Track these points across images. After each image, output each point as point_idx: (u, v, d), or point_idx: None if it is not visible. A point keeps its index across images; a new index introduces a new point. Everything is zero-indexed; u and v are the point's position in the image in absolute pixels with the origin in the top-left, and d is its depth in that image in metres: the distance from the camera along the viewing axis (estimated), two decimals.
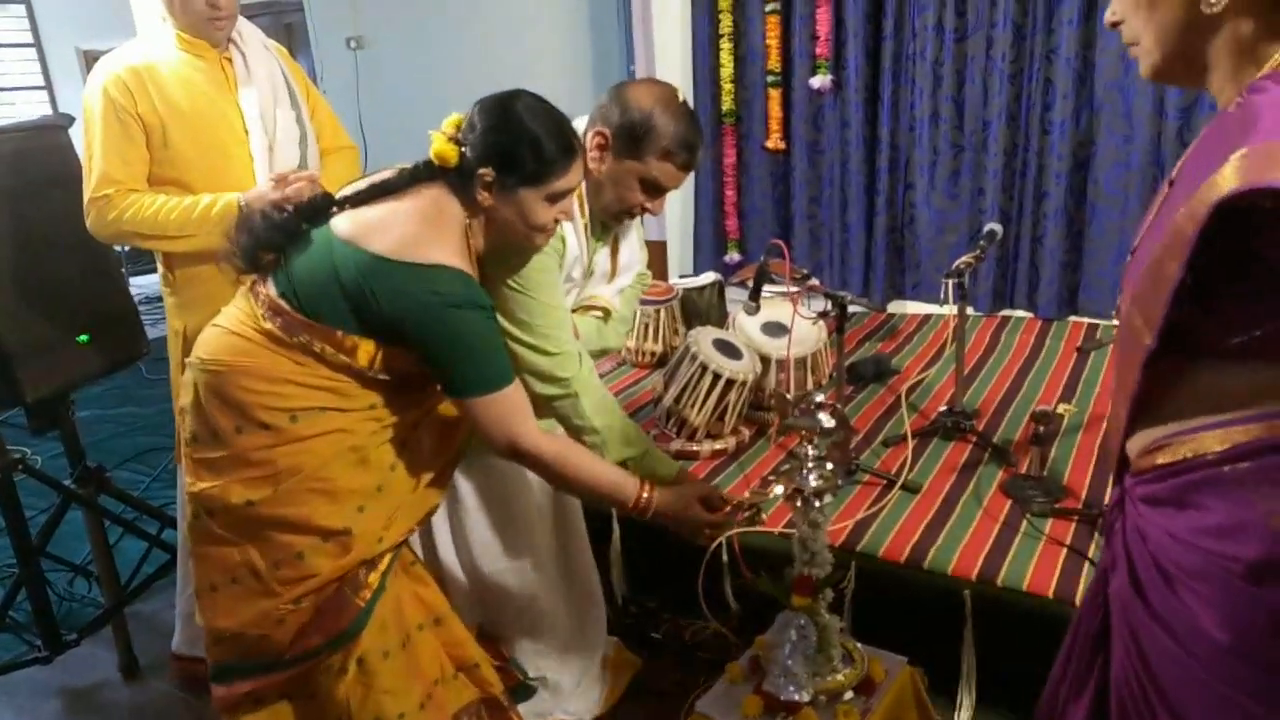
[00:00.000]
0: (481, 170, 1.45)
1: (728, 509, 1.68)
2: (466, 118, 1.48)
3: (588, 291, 1.86)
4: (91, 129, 1.95)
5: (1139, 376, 0.98)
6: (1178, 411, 0.97)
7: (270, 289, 1.46)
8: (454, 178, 1.48)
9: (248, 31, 2.11)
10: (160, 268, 2.13)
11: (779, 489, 1.58)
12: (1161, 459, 1.01)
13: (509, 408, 1.49)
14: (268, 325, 1.43)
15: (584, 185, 1.70)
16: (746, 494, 1.75)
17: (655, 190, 1.68)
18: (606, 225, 1.81)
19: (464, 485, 1.87)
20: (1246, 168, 0.83)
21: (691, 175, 4.37)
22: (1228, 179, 0.84)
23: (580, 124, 1.69)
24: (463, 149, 1.46)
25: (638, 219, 1.90)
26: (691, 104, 1.71)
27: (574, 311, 1.82)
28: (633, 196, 1.68)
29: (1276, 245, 0.86)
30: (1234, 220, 0.85)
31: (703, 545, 1.76)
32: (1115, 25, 1.03)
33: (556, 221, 1.52)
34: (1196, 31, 0.93)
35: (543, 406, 1.67)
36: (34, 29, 7.90)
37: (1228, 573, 0.93)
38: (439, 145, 1.46)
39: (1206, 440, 0.97)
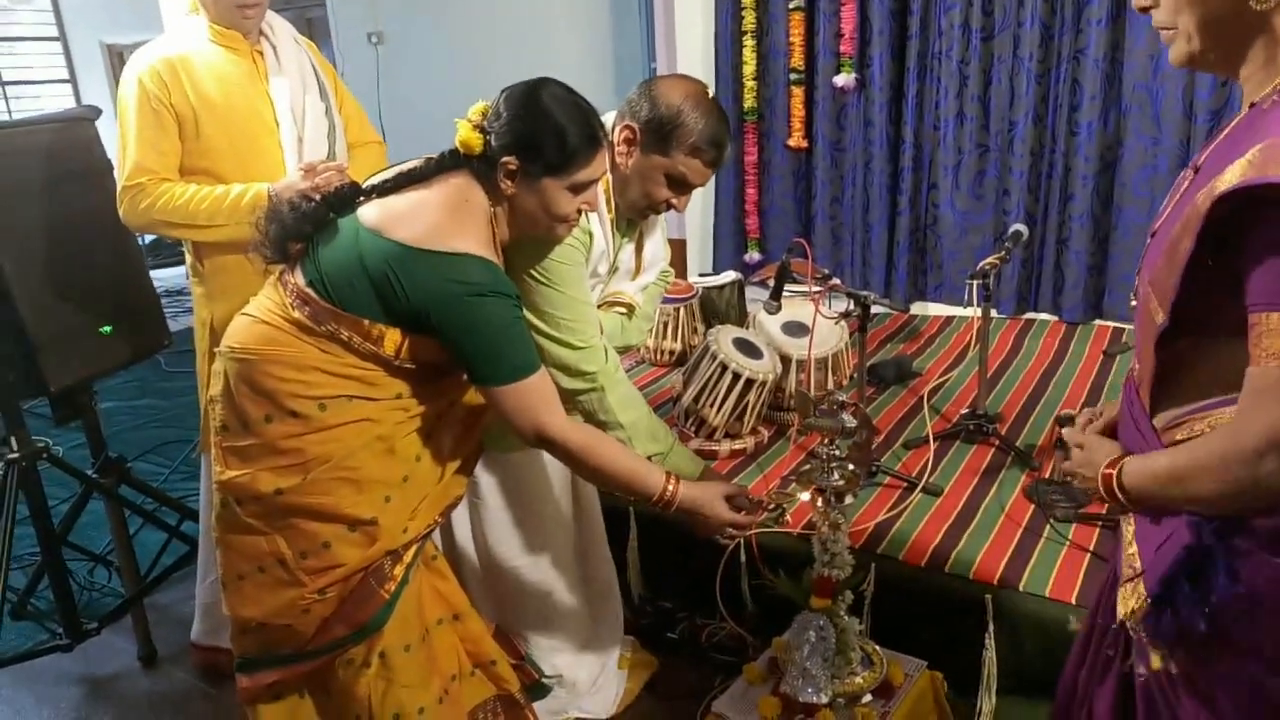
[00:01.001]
0: (505, 159, 1.44)
1: (753, 510, 1.67)
2: (492, 106, 1.48)
3: (612, 287, 1.85)
4: (126, 119, 1.97)
5: (1153, 355, 1.01)
6: (1195, 390, 0.99)
7: (298, 278, 1.47)
8: (479, 166, 1.48)
9: (279, 25, 2.12)
10: (189, 257, 2.15)
11: (804, 495, 1.57)
12: (1180, 435, 1.03)
13: (535, 396, 1.48)
14: (296, 314, 1.44)
15: (611, 180, 1.70)
16: (769, 494, 1.73)
17: (681, 186, 1.67)
18: (632, 221, 1.80)
19: (485, 480, 1.87)
20: (1263, 161, 0.87)
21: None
22: (1242, 169, 0.88)
23: (609, 119, 1.69)
24: (487, 137, 1.46)
25: (662, 216, 1.89)
26: (721, 106, 1.70)
27: (598, 307, 1.81)
28: (659, 192, 1.67)
29: (1256, 230, 0.89)
30: (1248, 208, 0.88)
31: (723, 544, 1.75)
32: (1147, 9, 1.03)
33: (579, 213, 1.52)
34: (1241, 25, 0.94)
35: (568, 401, 1.67)
36: (59, 23, 7.99)
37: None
38: (464, 133, 1.46)
39: (1222, 417, 0.99)
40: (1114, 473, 1.06)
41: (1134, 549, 1.08)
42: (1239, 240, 0.92)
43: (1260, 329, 0.90)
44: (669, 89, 1.63)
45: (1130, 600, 1.07)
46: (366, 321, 1.42)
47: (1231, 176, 0.90)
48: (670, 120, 1.61)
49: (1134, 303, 1.11)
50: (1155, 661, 1.07)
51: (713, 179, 4.18)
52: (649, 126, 1.62)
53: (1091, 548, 2.00)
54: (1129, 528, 1.11)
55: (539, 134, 1.44)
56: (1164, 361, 1.02)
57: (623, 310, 1.86)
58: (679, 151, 1.62)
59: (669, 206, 1.70)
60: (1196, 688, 1.04)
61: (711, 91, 1.67)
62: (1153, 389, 1.04)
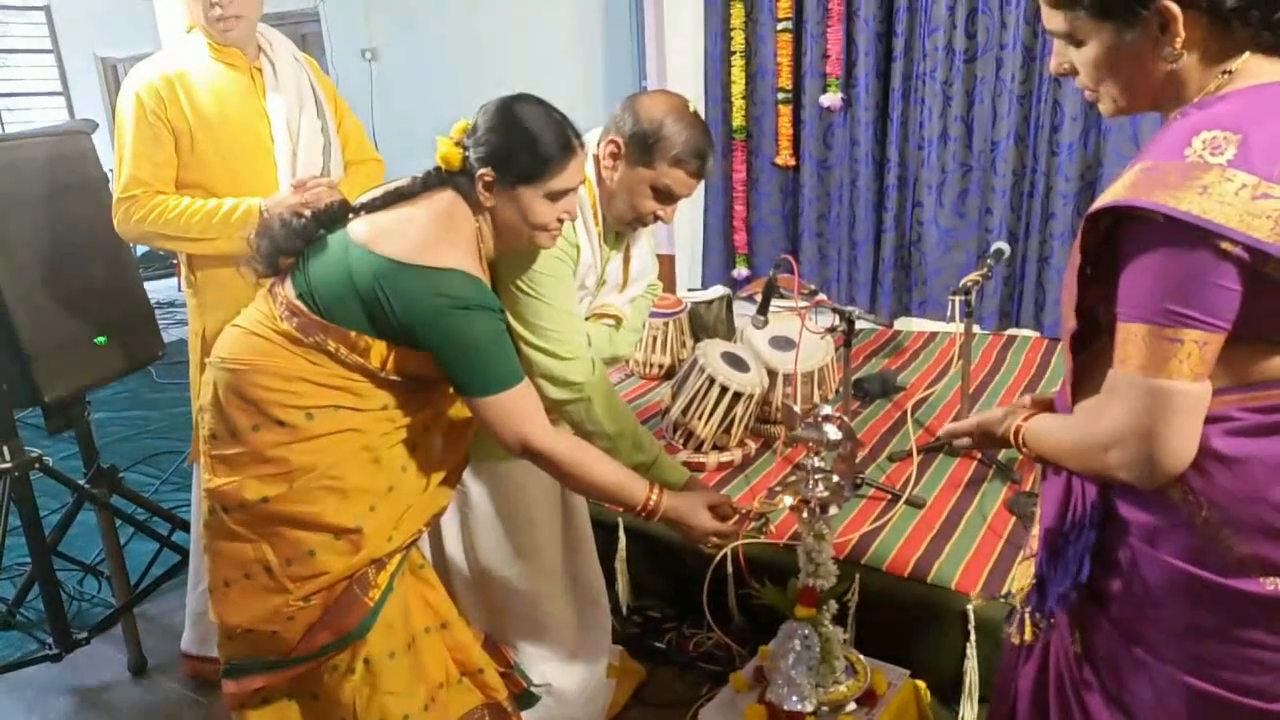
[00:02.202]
0: (481, 170, 1.49)
1: (736, 518, 1.70)
2: (471, 123, 1.53)
3: (600, 300, 1.89)
4: (123, 132, 2.00)
5: (1070, 356, 1.11)
6: (1099, 389, 1.06)
7: (288, 290, 1.50)
8: (461, 182, 1.52)
9: (279, 42, 2.16)
10: (183, 269, 2.17)
11: (788, 500, 1.60)
12: None
13: (520, 407, 1.51)
14: (285, 326, 1.47)
15: (598, 194, 1.74)
16: (755, 504, 1.76)
17: (667, 197, 1.71)
18: (620, 234, 1.84)
19: (475, 489, 1.89)
20: (1133, 183, 0.95)
21: (701, 190, 4.42)
22: (1115, 191, 0.97)
23: (596, 135, 1.73)
24: (466, 153, 1.50)
25: (649, 230, 1.93)
26: (703, 119, 1.74)
27: (586, 319, 1.84)
28: (645, 204, 1.71)
29: (1128, 244, 0.97)
30: (1119, 224, 0.98)
31: (708, 553, 1.77)
32: (1065, 74, 1.10)
33: (560, 221, 1.55)
34: (1157, 79, 1.01)
35: (556, 411, 1.70)
36: (53, 35, 7.98)
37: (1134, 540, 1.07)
38: (444, 149, 1.51)
39: None
40: (1021, 428, 1.19)
41: (1036, 529, 1.21)
42: (1113, 254, 1.00)
43: (1121, 335, 0.99)
44: (651, 103, 1.68)
45: (1022, 579, 1.23)
46: (353, 334, 1.45)
47: (1106, 196, 0.98)
48: (653, 133, 1.65)
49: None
50: (1028, 633, 1.22)
51: (701, 195, 4.29)
52: (632, 140, 1.67)
53: None
54: (1038, 512, 1.24)
55: (512, 144, 1.48)
56: (1079, 365, 1.11)
57: (610, 322, 1.89)
58: (662, 163, 1.66)
59: (656, 218, 1.74)
60: (1102, 669, 1.14)
61: (694, 106, 1.71)
62: (1072, 389, 1.13)
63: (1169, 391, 0.95)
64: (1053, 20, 1.05)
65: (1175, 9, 0.94)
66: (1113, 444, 1.00)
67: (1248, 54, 0.97)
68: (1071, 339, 1.09)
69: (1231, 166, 0.90)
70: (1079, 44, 1.04)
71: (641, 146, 1.66)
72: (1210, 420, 0.99)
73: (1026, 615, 1.22)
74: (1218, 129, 0.93)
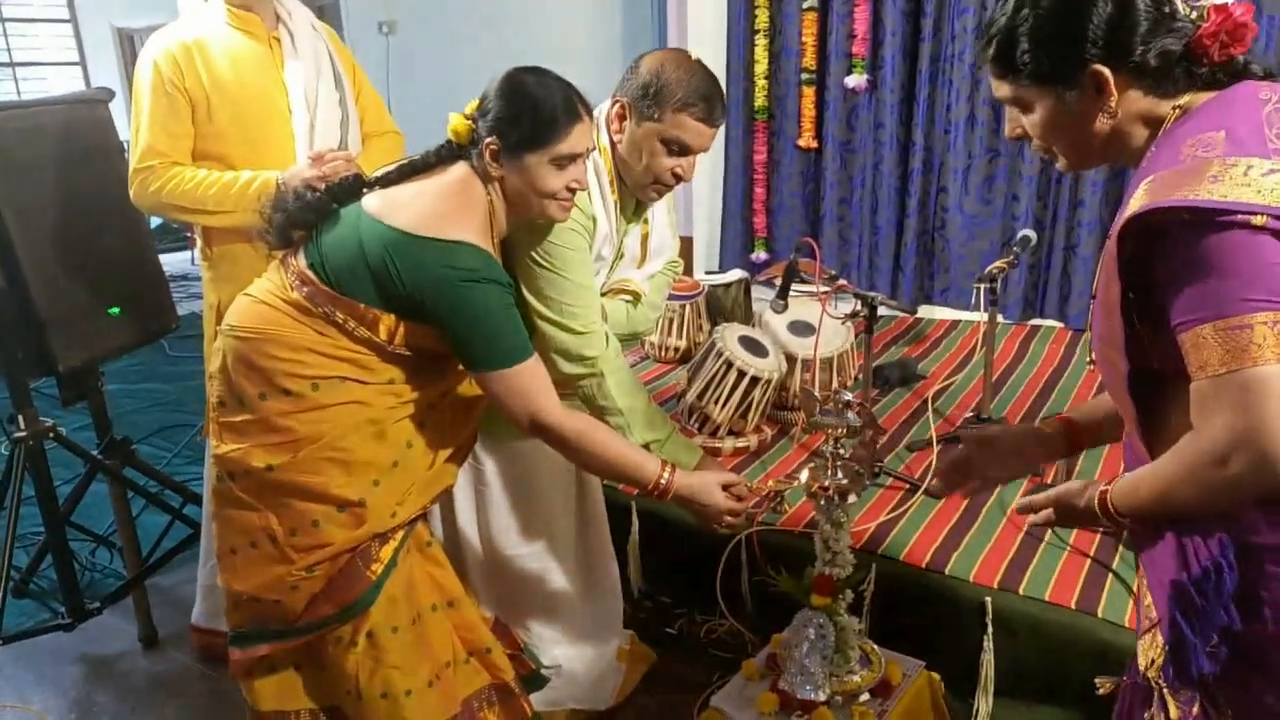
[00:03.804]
0: (488, 140, 1.48)
1: (750, 497, 1.67)
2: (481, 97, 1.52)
3: (617, 275, 1.85)
4: (140, 101, 1.98)
5: (1131, 402, 1.05)
6: (1183, 426, 0.99)
7: (300, 260, 1.50)
8: (473, 155, 1.52)
9: (297, 11, 2.13)
10: (199, 241, 2.16)
11: (804, 475, 1.57)
12: None
13: (529, 382, 1.50)
14: (295, 295, 1.48)
15: (614, 162, 1.70)
16: (770, 482, 1.74)
17: (681, 150, 1.66)
18: (639, 206, 1.81)
19: (490, 467, 1.87)
20: (1152, 190, 0.96)
21: (720, 172, 4.37)
22: (1138, 199, 0.97)
23: (606, 106, 1.70)
24: (475, 126, 1.50)
25: (669, 206, 1.89)
26: (724, 98, 1.70)
27: (603, 295, 1.81)
28: (660, 162, 1.66)
29: (1164, 259, 0.96)
30: (1152, 241, 0.96)
31: (721, 534, 1.75)
32: (1020, 138, 1.14)
33: (571, 191, 1.53)
34: (1103, 135, 1.07)
35: (567, 386, 1.67)
36: (70, 5, 7.99)
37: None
38: (454, 123, 1.51)
39: None
40: (1107, 493, 1.10)
41: (1149, 599, 1.08)
42: (1151, 275, 0.97)
43: (1187, 348, 0.94)
44: (650, 58, 1.66)
45: (1150, 651, 1.07)
46: (362, 306, 1.45)
47: (1124, 213, 0.97)
48: (654, 83, 1.61)
49: (1091, 364, 1.15)
50: (1173, 712, 1.06)
51: (721, 177, 4.23)
52: (637, 95, 1.64)
53: (1092, 553, 2.00)
54: (1141, 581, 1.12)
55: (515, 110, 1.47)
56: (1145, 408, 1.05)
57: (628, 298, 1.86)
58: (669, 111, 1.62)
59: (676, 179, 1.70)
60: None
61: (695, 55, 1.67)
62: (1144, 436, 1.06)
63: (1261, 378, 0.90)
64: (1000, 89, 1.12)
65: (1106, 71, 1.02)
66: (1228, 452, 0.92)
67: (1191, 94, 1.03)
68: (1131, 382, 1.03)
69: (1230, 155, 0.93)
70: (1027, 109, 1.10)
71: (645, 99, 1.63)
72: None
73: (1167, 691, 1.06)
74: (1200, 133, 0.97)
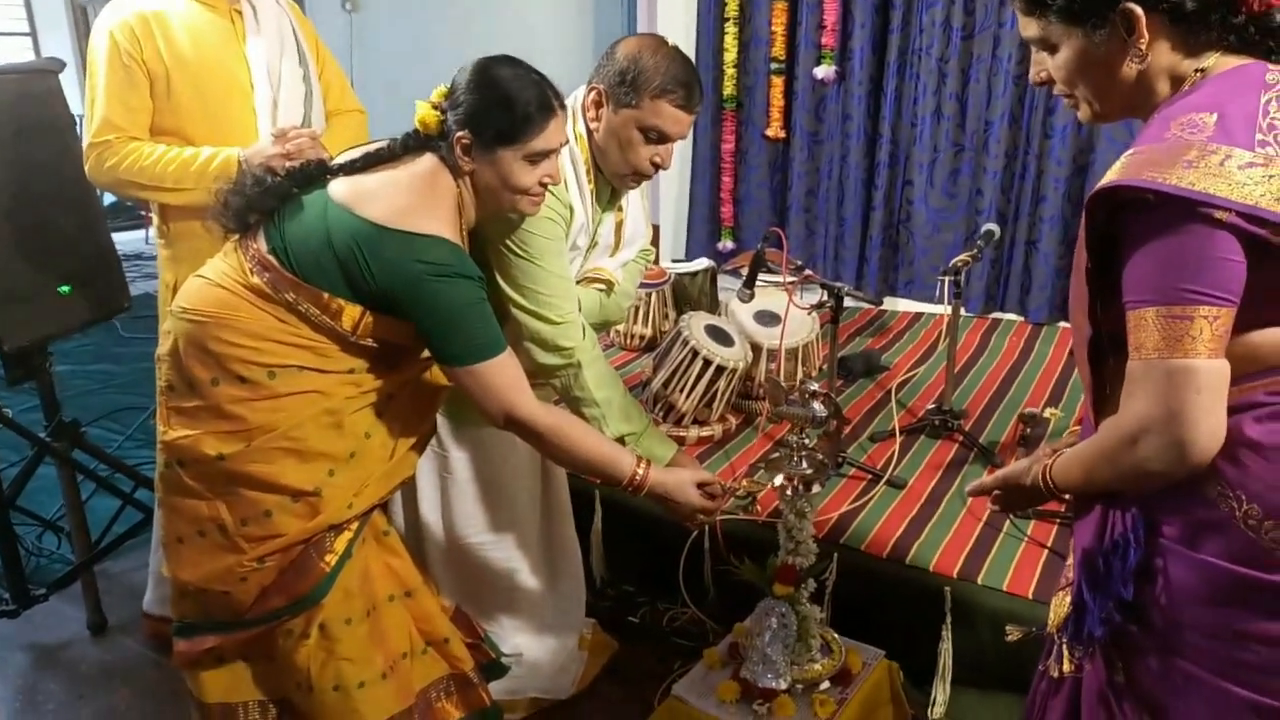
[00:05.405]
0: (459, 133, 1.45)
1: (724, 497, 1.67)
2: (449, 86, 1.48)
3: (591, 263, 1.83)
4: (95, 74, 1.91)
5: (1090, 372, 1.08)
6: (1118, 401, 1.02)
7: (260, 244, 1.45)
8: (441, 146, 1.48)
9: None
10: (155, 220, 2.10)
11: (778, 479, 1.57)
12: None
13: (502, 377, 1.48)
14: (255, 280, 1.43)
15: (590, 151, 1.68)
16: (744, 482, 1.74)
17: (659, 138, 1.64)
18: (614, 194, 1.79)
19: (456, 454, 1.85)
20: (1124, 165, 0.97)
21: (688, 161, 4.35)
22: (1113, 172, 0.97)
23: (580, 95, 1.68)
24: (444, 116, 1.46)
25: (642, 195, 1.87)
26: (701, 84, 1.68)
27: (577, 283, 1.79)
28: (637, 150, 1.64)
29: (1126, 235, 0.97)
30: (1117, 214, 0.97)
31: (691, 529, 1.75)
32: (1044, 84, 1.13)
33: (543, 186, 1.51)
34: (1129, 82, 1.05)
35: (543, 377, 1.65)
36: None
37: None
38: (422, 112, 1.47)
39: None
40: (1048, 467, 1.14)
41: (1071, 560, 1.15)
42: (1116, 248, 0.99)
43: (1130, 326, 0.97)
44: (626, 44, 1.63)
45: (1059, 609, 1.17)
46: (326, 295, 1.41)
47: (1101, 181, 0.98)
48: (631, 69, 1.59)
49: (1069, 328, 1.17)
50: (1067, 665, 1.15)
51: (688, 166, 4.22)
52: (613, 82, 1.61)
53: (1049, 544, 2.03)
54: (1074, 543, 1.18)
55: (488, 104, 1.44)
56: (1099, 378, 1.08)
57: (602, 287, 1.84)
58: (646, 98, 1.60)
59: (655, 167, 1.68)
60: (1144, 697, 1.08)
61: (672, 42, 1.65)
62: (1095, 404, 1.09)
63: (1188, 370, 0.93)
64: (1028, 28, 1.09)
65: (1138, 10, 0.99)
66: (1140, 433, 0.97)
67: (1217, 54, 1.01)
68: (1090, 349, 1.06)
69: (1212, 141, 0.93)
70: (1053, 49, 1.09)
71: (621, 85, 1.60)
72: (1239, 409, 0.97)
73: (1064, 645, 1.16)
74: (1193, 112, 0.96)
